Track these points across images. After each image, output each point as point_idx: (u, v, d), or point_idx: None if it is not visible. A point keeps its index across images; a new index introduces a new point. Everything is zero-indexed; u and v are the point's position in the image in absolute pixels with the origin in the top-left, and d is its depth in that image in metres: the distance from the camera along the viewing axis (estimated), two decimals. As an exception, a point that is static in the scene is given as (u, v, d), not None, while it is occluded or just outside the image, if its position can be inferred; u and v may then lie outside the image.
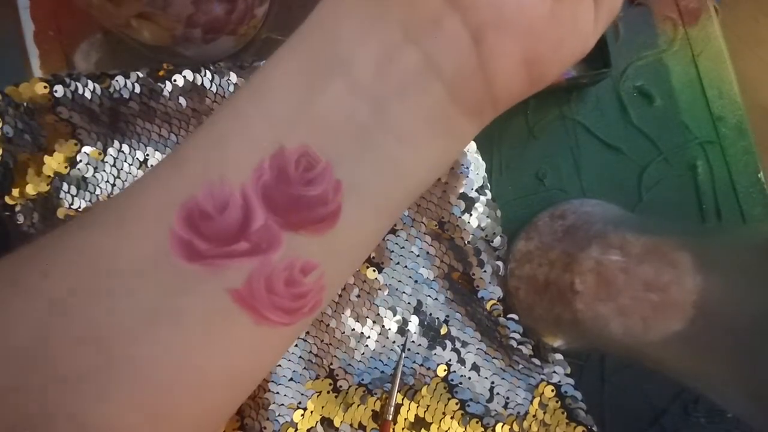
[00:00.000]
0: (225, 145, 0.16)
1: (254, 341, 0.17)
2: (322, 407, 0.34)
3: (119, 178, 0.33)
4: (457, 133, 0.19)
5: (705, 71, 0.36)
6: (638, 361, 0.27)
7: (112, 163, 0.33)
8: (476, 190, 0.34)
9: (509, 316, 0.34)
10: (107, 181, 0.33)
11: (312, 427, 0.33)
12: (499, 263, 0.34)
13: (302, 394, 0.33)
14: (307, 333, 0.34)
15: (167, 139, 0.34)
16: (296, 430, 0.33)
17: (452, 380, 0.34)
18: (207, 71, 0.33)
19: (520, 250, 0.33)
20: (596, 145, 0.36)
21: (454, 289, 0.34)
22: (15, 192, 0.32)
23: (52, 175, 0.32)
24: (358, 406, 0.34)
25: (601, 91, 0.36)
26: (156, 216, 0.16)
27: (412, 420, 0.34)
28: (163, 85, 0.33)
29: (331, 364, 0.34)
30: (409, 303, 0.34)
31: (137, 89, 0.33)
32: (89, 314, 0.15)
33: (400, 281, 0.34)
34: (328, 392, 0.34)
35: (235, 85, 0.34)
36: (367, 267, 0.34)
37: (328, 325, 0.34)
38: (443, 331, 0.34)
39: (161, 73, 0.33)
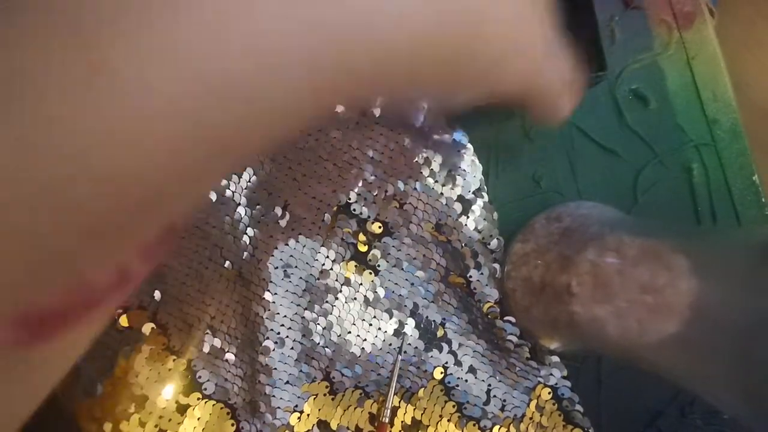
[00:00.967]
0: None
1: None
2: (319, 410, 0.34)
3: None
4: None
5: (700, 74, 0.36)
6: (634, 363, 0.27)
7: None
8: (473, 193, 0.34)
9: (506, 318, 0.34)
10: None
11: (308, 430, 0.33)
12: (496, 265, 0.34)
13: (299, 397, 0.33)
14: (303, 336, 0.34)
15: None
16: (292, 433, 0.33)
17: (449, 383, 0.34)
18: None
19: (517, 252, 0.33)
20: (592, 148, 0.36)
21: (450, 292, 0.34)
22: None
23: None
24: (355, 408, 0.34)
25: (597, 94, 0.36)
26: None
27: (409, 423, 0.34)
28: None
29: (327, 366, 0.34)
30: (405, 305, 0.34)
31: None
32: None
33: (396, 284, 0.34)
34: (325, 395, 0.34)
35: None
36: (364, 269, 0.34)
37: (324, 327, 0.34)
38: (440, 333, 0.34)
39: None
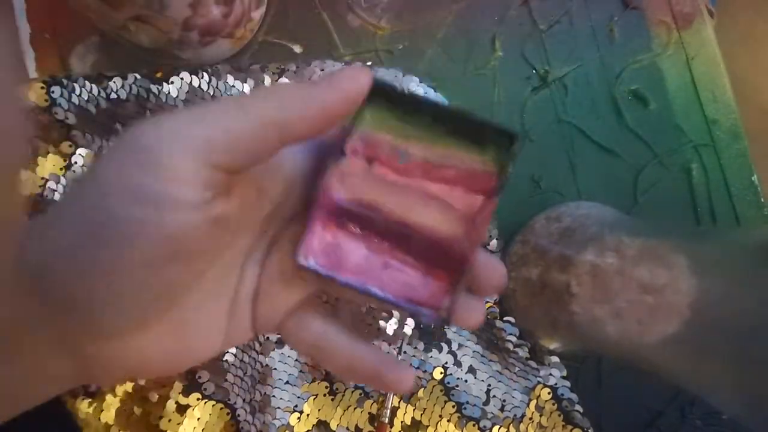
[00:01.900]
0: None
1: None
2: (319, 410, 0.33)
3: (115, 180, 0.33)
4: None
5: (699, 75, 0.36)
6: (634, 363, 0.27)
7: (107, 166, 0.33)
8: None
9: (506, 318, 0.34)
10: (103, 184, 0.33)
11: (308, 431, 0.33)
12: (496, 266, 0.34)
13: (298, 397, 0.33)
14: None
15: (163, 142, 0.33)
16: (292, 433, 0.33)
17: (449, 383, 0.34)
18: (204, 73, 0.33)
19: (517, 252, 0.33)
20: (592, 148, 0.36)
21: (450, 292, 0.34)
22: (10, 194, 0.32)
23: (47, 177, 0.32)
24: (355, 409, 0.34)
25: (597, 95, 0.36)
26: None
27: (409, 423, 0.34)
28: (160, 87, 0.33)
29: (328, 366, 0.34)
30: (405, 305, 0.34)
31: (134, 91, 0.33)
32: None
33: (396, 284, 0.34)
34: (325, 395, 0.34)
35: (232, 87, 0.34)
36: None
37: (325, 327, 0.34)
38: (439, 333, 0.34)
39: (159, 74, 0.33)
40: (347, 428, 0.33)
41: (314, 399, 0.33)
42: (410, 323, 0.34)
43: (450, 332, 0.34)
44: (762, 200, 0.36)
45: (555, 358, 0.34)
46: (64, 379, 0.16)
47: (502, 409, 0.34)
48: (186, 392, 0.34)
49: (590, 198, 0.35)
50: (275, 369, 0.33)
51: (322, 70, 0.34)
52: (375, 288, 0.17)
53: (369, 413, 0.34)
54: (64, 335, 0.15)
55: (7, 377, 0.15)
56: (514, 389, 0.34)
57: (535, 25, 0.36)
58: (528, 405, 0.34)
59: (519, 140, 0.17)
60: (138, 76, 0.33)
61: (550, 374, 0.34)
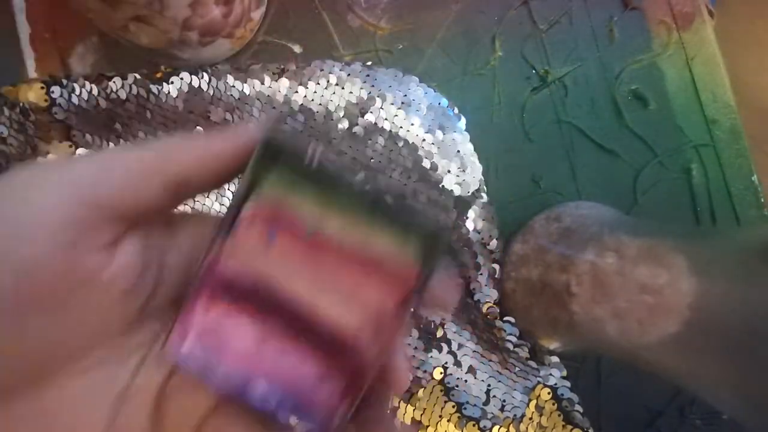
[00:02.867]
0: None
1: None
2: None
3: (115, 180, 0.33)
4: None
5: (699, 75, 0.36)
6: (634, 364, 0.27)
7: (107, 166, 0.33)
8: (472, 193, 0.34)
9: (505, 318, 0.34)
10: (103, 184, 0.33)
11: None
12: (496, 266, 0.34)
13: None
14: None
15: (163, 142, 0.33)
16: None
17: (449, 383, 0.34)
18: (204, 74, 0.33)
19: (516, 252, 0.33)
20: (592, 148, 0.36)
21: (450, 292, 0.34)
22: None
23: (48, 178, 0.32)
24: (355, 409, 0.34)
25: (597, 95, 0.36)
26: None
27: (409, 423, 0.34)
28: (160, 87, 0.33)
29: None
30: (405, 305, 0.34)
31: (134, 91, 0.33)
32: None
33: (396, 284, 0.34)
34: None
35: (232, 87, 0.34)
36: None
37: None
38: (439, 333, 0.34)
39: (159, 75, 0.33)
40: (347, 428, 0.33)
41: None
42: (410, 323, 0.34)
43: (450, 332, 0.34)
44: (762, 200, 0.36)
45: (555, 358, 0.34)
46: None
47: (502, 409, 0.34)
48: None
49: (590, 198, 0.35)
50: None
51: (322, 70, 0.34)
52: (260, 380, 0.15)
53: (369, 413, 0.34)
54: None
55: None
56: (514, 389, 0.34)
57: (535, 25, 0.36)
58: (528, 405, 0.34)
59: (444, 240, 0.15)
60: (138, 76, 0.33)
61: (550, 374, 0.34)
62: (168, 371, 0.15)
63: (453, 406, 0.34)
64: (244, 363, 0.15)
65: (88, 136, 0.33)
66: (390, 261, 0.15)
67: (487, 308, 0.34)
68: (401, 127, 0.34)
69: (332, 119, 0.34)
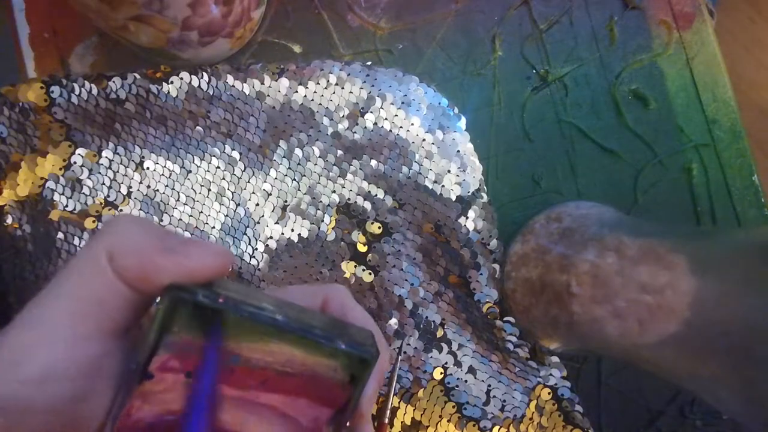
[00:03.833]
0: None
1: None
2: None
3: (115, 180, 0.33)
4: None
5: (699, 75, 0.36)
6: (634, 363, 0.27)
7: (107, 165, 0.33)
8: (472, 193, 0.34)
9: (506, 318, 0.34)
10: (102, 183, 0.33)
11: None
12: (496, 266, 0.34)
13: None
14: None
15: (163, 141, 0.33)
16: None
17: (449, 383, 0.34)
18: (204, 73, 0.33)
19: (517, 252, 0.33)
20: (592, 148, 0.36)
21: (450, 292, 0.34)
22: (5, 193, 0.32)
23: (46, 177, 0.32)
24: (355, 409, 0.33)
25: (597, 95, 0.36)
26: None
27: (409, 423, 0.33)
28: (159, 87, 0.33)
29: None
30: (405, 306, 0.34)
31: (134, 90, 0.33)
32: None
33: (395, 284, 0.34)
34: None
35: (232, 87, 0.34)
36: (363, 270, 0.34)
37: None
38: (439, 333, 0.34)
39: (158, 74, 0.33)
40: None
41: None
42: (410, 323, 0.34)
43: (450, 332, 0.34)
44: (762, 200, 0.36)
45: (555, 358, 0.34)
46: None
47: (502, 410, 0.34)
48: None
49: (590, 198, 0.35)
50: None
51: (322, 70, 0.34)
52: None
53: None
54: None
55: None
56: (514, 389, 0.34)
57: (535, 25, 0.36)
58: (528, 405, 0.34)
59: (373, 364, 0.15)
60: (138, 76, 0.33)
61: (550, 374, 0.34)
62: None
63: (453, 407, 0.34)
64: None
65: (87, 136, 0.33)
66: (319, 375, 0.15)
67: (487, 308, 0.34)
68: (401, 127, 0.34)
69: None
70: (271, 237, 0.34)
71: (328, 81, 0.34)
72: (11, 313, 0.31)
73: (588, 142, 0.36)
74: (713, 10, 0.37)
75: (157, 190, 0.33)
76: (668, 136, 0.36)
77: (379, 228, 0.34)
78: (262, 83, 0.34)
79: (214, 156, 0.34)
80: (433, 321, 0.34)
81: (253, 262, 0.34)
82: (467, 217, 0.34)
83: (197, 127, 0.34)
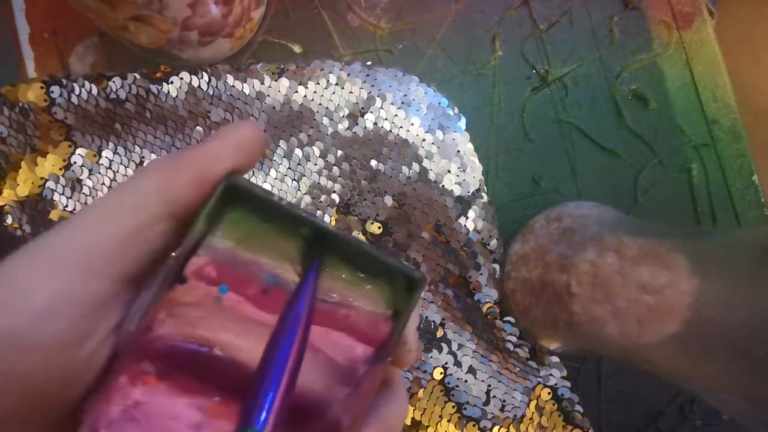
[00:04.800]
0: None
1: None
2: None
3: (115, 180, 0.33)
4: None
5: (699, 75, 0.36)
6: (634, 364, 0.27)
7: (107, 165, 0.33)
8: (472, 193, 0.34)
9: (506, 318, 0.34)
10: (102, 184, 0.33)
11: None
12: (496, 266, 0.34)
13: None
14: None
15: (163, 141, 0.33)
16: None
17: (449, 383, 0.34)
18: (204, 73, 0.33)
19: (517, 252, 0.33)
20: (592, 148, 0.36)
21: (450, 292, 0.34)
22: (5, 193, 0.32)
23: (46, 177, 0.32)
24: (355, 409, 0.33)
25: (597, 95, 0.36)
26: None
27: (409, 423, 0.33)
28: (159, 87, 0.33)
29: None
30: (405, 306, 0.34)
31: (134, 90, 0.33)
32: None
33: (396, 284, 0.34)
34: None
35: (232, 87, 0.34)
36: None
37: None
38: (439, 333, 0.34)
39: (158, 74, 0.33)
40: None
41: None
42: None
43: (450, 332, 0.34)
44: (762, 200, 0.36)
45: (555, 358, 0.34)
46: None
47: (502, 410, 0.34)
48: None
49: (590, 198, 0.35)
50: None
51: (322, 69, 0.34)
52: None
53: (369, 413, 0.34)
54: None
55: None
56: (514, 389, 0.34)
57: (535, 25, 0.36)
58: (528, 405, 0.34)
59: (422, 286, 0.13)
60: (138, 76, 0.33)
61: (550, 374, 0.34)
62: None
63: (453, 406, 0.34)
64: None
65: (87, 136, 0.33)
66: (360, 309, 0.13)
67: (487, 308, 0.34)
68: (401, 127, 0.34)
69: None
70: (271, 237, 0.34)
71: (328, 81, 0.34)
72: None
73: (588, 142, 0.36)
74: (713, 10, 0.37)
75: (157, 190, 0.33)
76: (668, 136, 0.36)
77: (379, 228, 0.34)
78: (262, 83, 0.34)
79: (214, 156, 0.34)
80: (433, 321, 0.34)
81: (253, 262, 0.34)
82: (467, 217, 0.34)
83: (197, 127, 0.34)
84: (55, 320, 0.12)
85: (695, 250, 0.24)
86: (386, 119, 0.34)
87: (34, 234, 0.32)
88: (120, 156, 0.33)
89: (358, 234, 0.34)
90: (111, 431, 0.11)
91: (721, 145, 0.36)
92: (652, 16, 0.36)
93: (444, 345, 0.34)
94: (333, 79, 0.34)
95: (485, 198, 0.34)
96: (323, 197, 0.34)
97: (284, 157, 0.34)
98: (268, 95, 0.34)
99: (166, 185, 0.13)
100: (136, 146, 0.33)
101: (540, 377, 0.34)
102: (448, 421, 0.34)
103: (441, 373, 0.34)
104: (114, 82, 0.33)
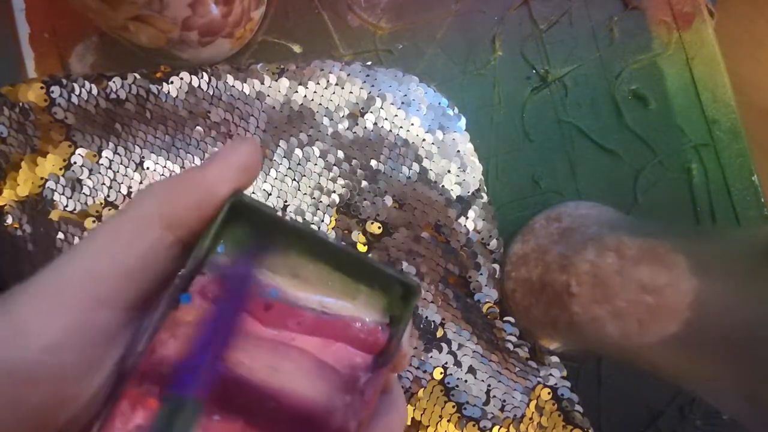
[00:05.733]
0: None
1: None
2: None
3: (115, 180, 0.33)
4: None
5: (699, 75, 0.36)
6: (634, 363, 0.27)
7: (107, 165, 0.33)
8: (472, 193, 0.34)
9: (506, 318, 0.34)
10: (103, 184, 0.33)
11: None
12: (496, 266, 0.34)
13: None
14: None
15: (163, 141, 0.33)
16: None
17: (449, 383, 0.34)
18: (204, 73, 0.33)
19: (516, 252, 0.33)
20: (592, 148, 0.36)
21: (450, 292, 0.34)
22: (5, 193, 0.32)
23: (47, 177, 0.32)
24: (355, 409, 0.33)
25: (597, 95, 0.36)
26: None
27: (409, 423, 0.34)
28: (159, 87, 0.33)
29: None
30: (405, 306, 0.34)
31: (134, 90, 0.33)
32: None
33: (396, 284, 0.34)
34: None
35: (232, 87, 0.34)
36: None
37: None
38: (439, 333, 0.34)
39: (158, 74, 0.33)
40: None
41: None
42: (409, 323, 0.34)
43: (450, 332, 0.34)
44: (762, 200, 0.36)
45: (555, 358, 0.34)
46: None
47: (502, 410, 0.34)
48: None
49: (590, 198, 0.35)
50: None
51: (322, 70, 0.34)
52: None
53: (369, 413, 0.34)
54: None
55: None
56: (514, 389, 0.34)
57: (535, 25, 0.36)
58: (528, 405, 0.34)
59: (418, 293, 0.14)
60: (138, 76, 0.33)
61: (550, 374, 0.34)
62: None
63: (453, 406, 0.34)
64: None
65: (88, 136, 0.33)
66: (359, 321, 0.14)
67: (487, 308, 0.34)
68: (401, 127, 0.34)
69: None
70: (271, 237, 0.34)
71: (328, 81, 0.34)
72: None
73: (588, 142, 0.36)
74: (713, 10, 0.37)
75: (157, 190, 0.33)
76: (668, 136, 0.36)
77: (379, 228, 0.34)
78: (262, 83, 0.34)
79: (214, 156, 0.34)
80: (433, 321, 0.34)
81: (253, 262, 0.34)
82: (467, 217, 0.34)
83: (197, 127, 0.34)
84: (65, 352, 0.12)
85: (695, 250, 0.24)
86: (386, 119, 0.34)
87: (34, 234, 0.32)
88: (120, 156, 0.33)
89: (358, 234, 0.34)
90: None
91: (720, 145, 0.36)
92: (652, 16, 0.36)
93: (444, 345, 0.34)
94: (333, 79, 0.34)
95: (485, 198, 0.34)
96: (323, 197, 0.34)
97: (284, 157, 0.34)
98: (268, 95, 0.34)
99: (169, 210, 0.13)
100: (136, 146, 0.33)
101: (540, 377, 0.34)
102: (448, 421, 0.34)
103: (441, 373, 0.34)
104: (114, 82, 0.33)
